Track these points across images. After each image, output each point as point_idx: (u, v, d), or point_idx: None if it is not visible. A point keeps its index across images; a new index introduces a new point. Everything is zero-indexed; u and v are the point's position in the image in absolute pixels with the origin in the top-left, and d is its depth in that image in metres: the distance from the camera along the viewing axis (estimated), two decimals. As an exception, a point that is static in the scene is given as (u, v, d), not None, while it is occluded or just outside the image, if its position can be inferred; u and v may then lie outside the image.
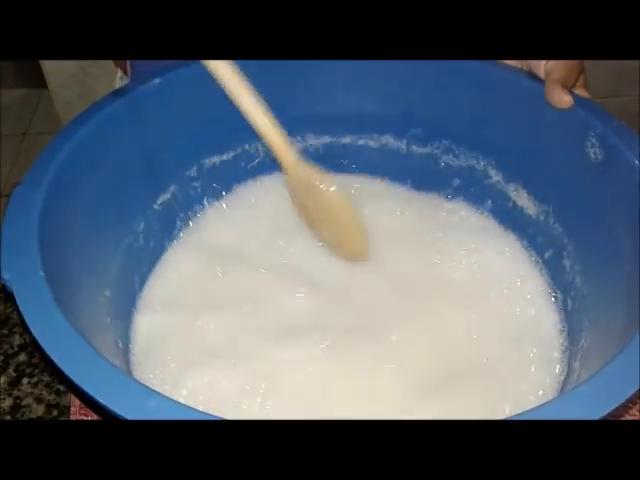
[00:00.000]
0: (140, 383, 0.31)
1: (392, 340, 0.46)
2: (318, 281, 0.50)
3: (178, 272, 0.52)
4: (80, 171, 0.43)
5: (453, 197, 0.56)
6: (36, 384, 0.48)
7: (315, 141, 0.57)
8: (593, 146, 0.44)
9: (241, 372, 0.44)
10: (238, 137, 0.54)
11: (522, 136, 0.50)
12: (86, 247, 0.43)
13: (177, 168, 0.53)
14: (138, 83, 0.48)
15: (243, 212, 0.56)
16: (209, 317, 0.48)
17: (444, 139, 0.55)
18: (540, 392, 0.43)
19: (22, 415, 0.46)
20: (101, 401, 0.30)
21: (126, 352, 0.46)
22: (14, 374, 0.49)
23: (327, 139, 0.57)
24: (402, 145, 0.56)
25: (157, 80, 0.48)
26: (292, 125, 0.54)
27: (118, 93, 0.47)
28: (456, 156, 0.55)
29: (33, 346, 0.50)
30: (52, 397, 0.47)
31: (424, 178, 0.57)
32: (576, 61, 0.47)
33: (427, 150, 0.56)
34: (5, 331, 0.51)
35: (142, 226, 0.51)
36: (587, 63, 0.48)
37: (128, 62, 0.57)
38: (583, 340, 0.44)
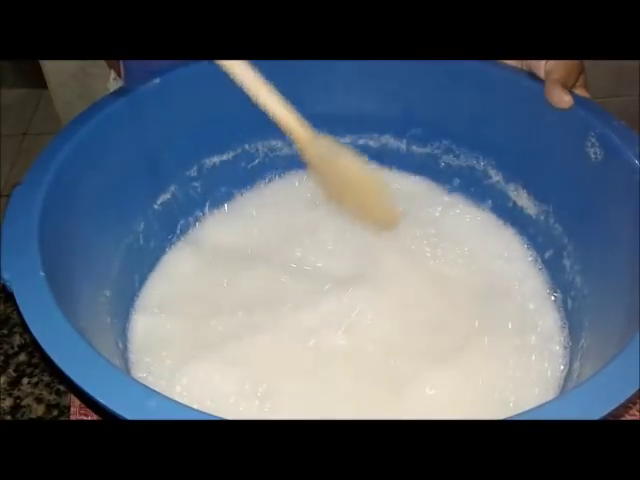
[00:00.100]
0: (140, 383, 0.31)
1: (392, 338, 0.46)
2: (318, 282, 0.50)
3: (177, 272, 0.52)
4: (80, 171, 0.43)
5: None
6: (36, 384, 0.48)
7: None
8: (593, 146, 0.44)
9: (240, 372, 0.44)
10: (238, 137, 0.54)
11: (522, 136, 0.50)
12: (86, 247, 0.43)
13: (177, 168, 0.53)
14: (138, 83, 0.48)
15: (243, 213, 0.56)
16: (208, 317, 0.48)
17: (444, 139, 0.55)
18: (539, 392, 0.43)
19: (22, 415, 0.46)
20: (101, 401, 0.30)
21: (124, 350, 0.46)
22: (14, 374, 0.49)
23: (327, 139, 0.57)
24: (402, 145, 0.56)
25: (157, 80, 0.48)
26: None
27: (118, 93, 0.47)
28: (456, 156, 0.55)
29: (33, 346, 0.50)
30: (52, 397, 0.47)
31: (424, 178, 0.57)
32: (576, 61, 0.47)
33: (427, 150, 0.56)
34: (5, 331, 0.51)
35: (142, 226, 0.51)
36: (587, 63, 0.48)
37: (121, 64, 0.57)
38: (583, 340, 0.44)
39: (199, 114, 0.51)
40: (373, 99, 0.54)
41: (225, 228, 0.55)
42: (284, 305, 0.48)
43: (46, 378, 0.48)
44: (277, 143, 0.56)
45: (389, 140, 0.57)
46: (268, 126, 0.54)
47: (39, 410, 0.47)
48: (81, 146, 0.43)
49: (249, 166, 0.56)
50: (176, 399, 0.30)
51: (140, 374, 0.44)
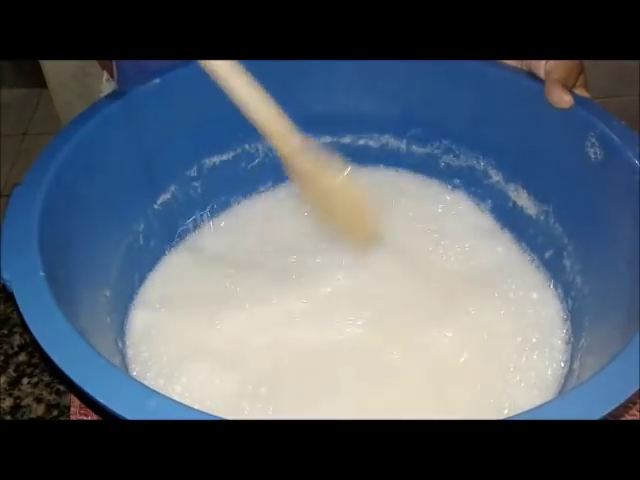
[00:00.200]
0: (140, 383, 0.31)
1: (392, 337, 0.46)
2: (318, 284, 0.50)
3: (176, 272, 0.51)
4: (80, 171, 0.43)
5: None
6: (36, 384, 0.48)
7: (315, 141, 0.57)
8: (593, 146, 0.44)
9: (240, 372, 0.44)
10: (238, 137, 0.54)
11: (522, 136, 0.50)
12: (86, 247, 0.43)
13: (177, 168, 0.53)
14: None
15: (243, 214, 0.56)
16: (207, 316, 0.48)
17: (444, 139, 0.55)
18: (539, 392, 0.43)
19: (22, 415, 0.46)
20: (101, 401, 0.30)
21: (123, 347, 0.46)
22: (14, 374, 0.49)
23: (327, 139, 0.57)
24: (402, 145, 0.56)
25: (157, 80, 0.48)
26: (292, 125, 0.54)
27: (118, 93, 0.47)
28: (456, 156, 0.55)
29: (33, 346, 0.50)
30: (52, 397, 0.47)
31: (424, 178, 0.57)
32: (576, 61, 0.47)
33: (427, 150, 0.56)
34: (5, 331, 0.51)
35: (142, 226, 0.51)
36: (587, 63, 0.48)
37: (114, 64, 0.57)
38: (583, 340, 0.44)
39: (199, 114, 0.51)
40: (373, 99, 0.54)
41: (225, 228, 0.55)
42: (284, 305, 0.48)
43: (46, 378, 0.48)
44: (277, 143, 0.56)
45: (389, 140, 0.57)
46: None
47: (39, 410, 0.47)
48: (81, 146, 0.43)
49: (249, 166, 0.56)
50: (176, 395, 0.30)
51: (138, 368, 0.44)
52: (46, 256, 0.36)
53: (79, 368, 0.31)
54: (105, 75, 0.69)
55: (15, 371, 0.49)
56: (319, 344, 0.46)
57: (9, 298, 0.52)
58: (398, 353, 0.46)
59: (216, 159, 0.54)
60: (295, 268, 0.51)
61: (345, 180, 0.48)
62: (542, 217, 0.51)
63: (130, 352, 0.46)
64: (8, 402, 0.47)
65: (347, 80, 0.53)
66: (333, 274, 0.51)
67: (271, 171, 0.56)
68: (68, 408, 0.46)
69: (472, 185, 0.55)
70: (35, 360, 0.49)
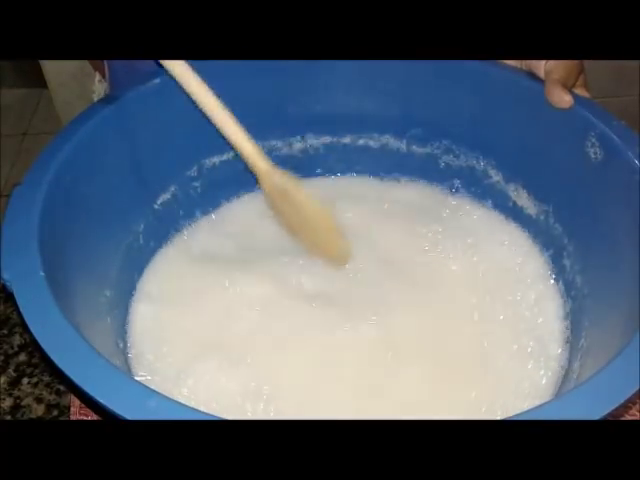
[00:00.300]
0: (140, 383, 0.31)
1: (393, 340, 0.46)
2: (319, 285, 0.50)
3: (175, 273, 0.51)
4: (80, 171, 0.43)
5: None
6: (36, 384, 0.48)
7: (315, 141, 0.57)
8: (593, 146, 0.44)
9: (244, 373, 0.44)
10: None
11: (522, 136, 0.50)
12: (86, 247, 0.43)
13: (177, 168, 0.53)
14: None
15: (242, 215, 0.56)
16: (209, 317, 0.48)
17: (444, 139, 0.55)
18: (538, 392, 0.43)
19: (22, 415, 0.46)
20: (101, 401, 0.30)
21: (124, 349, 0.46)
22: (14, 374, 0.49)
23: (327, 139, 0.57)
24: (402, 145, 0.56)
25: (157, 80, 0.48)
26: (292, 125, 0.55)
27: (118, 93, 0.47)
28: (456, 156, 0.55)
29: (33, 346, 0.50)
30: (52, 397, 0.47)
31: (424, 178, 0.57)
32: (576, 61, 0.47)
33: (427, 150, 0.56)
34: (5, 331, 0.51)
35: (142, 226, 0.51)
36: (587, 63, 0.48)
37: (106, 65, 0.57)
38: (583, 340, 0.44)
39: (199, 114, 0.51)
40: (373, 99, 0.54)
41: (225, 228, 0.55)
42: (285, 306, 0.48)
43: (46, 378, 0.48)
44: (277, 143, 0.56)
45: (389, 140, 0.57)
46: (268, 126, 0.55)
47: (39, 410, 0.47)
48: (81, 146, 0.43)
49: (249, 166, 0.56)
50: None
51: (142, 372, 0.44)
52: (46, 256, 0.36)
53: (79, 368, 0.31)
54: (97, 76, 0.69)
55: (15, 371, 0.49)
56: (327, 343, 0.46)
57: (9, 298, 0.52)
58: (399, 355, 0.45)
59: (216, 159, 0.54)
60: (295, 268, 0.51)
61: (312, 200, 0.49)
62: (542, 217, 0.51)
63: (133, 356, 0.46)
64: (8, 402, 0.47)
65: (347, 80, 0.53)
66: (333, 275, 0.50)
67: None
68: (68, 408, 0.46)
69: (472, 185, 0.55)
70: (35, 360, 0.49)
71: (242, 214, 0.56)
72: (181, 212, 0.54)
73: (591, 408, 0.29)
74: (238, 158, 0.55)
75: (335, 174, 0.59)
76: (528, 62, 0.48)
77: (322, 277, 0.50)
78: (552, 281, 0.50)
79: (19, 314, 0.33)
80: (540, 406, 0.30)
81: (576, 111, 0.45)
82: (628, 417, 0.45)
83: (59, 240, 0.40)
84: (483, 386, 0.44)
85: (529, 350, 0.46)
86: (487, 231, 0.54)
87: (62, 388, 0.48)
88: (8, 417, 0.46)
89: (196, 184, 0.54)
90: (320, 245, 0.51)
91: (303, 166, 0.56)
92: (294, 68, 0.51)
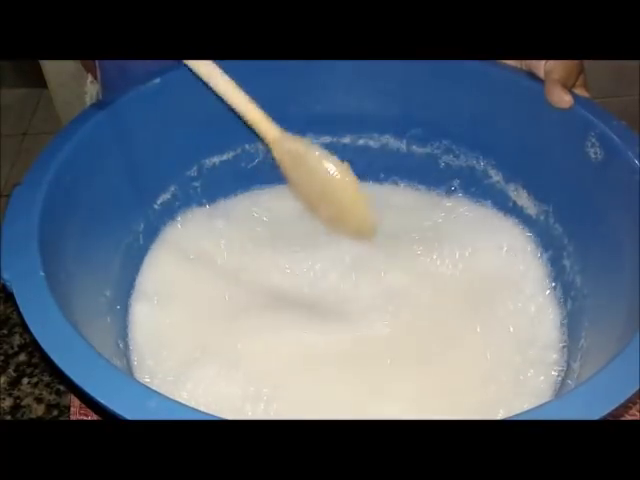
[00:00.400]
0: (140, 383, 0.31)
1: (391, 339, 0.46)
2: (319, 286, 0.50)
3: (176, 273, 0.51)
4: (80, 171, 0.43)
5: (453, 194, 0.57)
6: (36, 384, 0.48)
7: (315, 141, 0.57)
8: (593, 146, 0.44)
9: (242, 373, 0.44)
10: (238, 137, 0.54)
11: (522, 136, 0.50)
12: (86, 247, 0.43)
13: (177, 168, 0.53)
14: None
15: (243, 214, 0.56)
16: (208, 319, 0.48)
17: (444, 139, 0.55)
18: (539, 392, 0.43)
19: (22, 415, 0.46)
20: (101, 401, 0.30)
21: (125, 351, 0.46)
22: (14, 374, 0.49)
23: (327, 139, 0.57)
24: (402, 145, 0.56)
25: (157, 80, 0.48)
26: (292, 125, 0.54)
27: (118, 93, 0.47)
28: (456, 156, 0.55)
29: (33, 346, 0.50)
30: (52, 397, 0.47)
31: (424, 178, 0.57)
32: (576, 61, 0.47)
33: (427, 150, 0.56)
34: (5, 331, 0.51)
35: (142, 226, 0.51)
36: (587, 63, 0.48)
37: (98, 66, 0.57)
38: (583, 340, 0.44)
39: (199, 114, 0.51)
40: (373, 99, 0.54)
41: (225, 228, 0.55)
42: (284, 307, 0.48)
43: (46, 378, 0.48)
44: (277, 143, 0.56)
45: (389, 140, 0.57)
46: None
47: (39, 410, 0.47)
48: (81, 146, 0.43)
49: (249, 166, 0.56)
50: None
51: (143, 375, 0.44)
52: (46, 256, 0.36)
53: (79, 368, 0.31)
54: (90, 77, 0.69)
55: (15, 371, 0.49)
56: (324, 345, 0.46)
57: (9, 298, 0.52)
58: (399, 359, 0.45)
59: (216, 159, 0.54)
60: (295, 269, 0.51)
61: (333, 161, 0.46)
62: (542, 217, 0.51)
63: (132, 357, 0.46)
64: (8, 402, 0.47)
65: (347, 80, 0.53)
66: (334, 277, 0.50)
67: (271, 171, 0.56)
68: (68, 408, 0.46)
69: (472, 185, 0.55)
70: (35, 360, 0.49)
71: (242, 214, 0.56)
72: (181, 212, 0.54)
73: (591, 408, 0.29)
74: (238, 158, 0.55)
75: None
76: (528, 62, 0.48)
77: (322, 280, 0.50)
78: (550, 290, 0.50)
79: (19, 314, 0.33)
80: (540, 406, 0.30)
81: (576, 111, 0.45)
82: (628, 417, 0.45)
83: (59, 240, 0.40)
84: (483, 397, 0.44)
85: (530, 357, 0.46)
86: (485, 236, 0.53)
87: (62, 388, 0.48)
88: (8, 417, 0.46)
89: (196, 184, 0.54)
90: (341, 217, 0.48)
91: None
92: (294, 68, 0.51)
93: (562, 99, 0.45)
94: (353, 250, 0.52)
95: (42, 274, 0.35)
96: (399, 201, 0.57)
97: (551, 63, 0.46)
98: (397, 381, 0.44)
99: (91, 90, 0.68)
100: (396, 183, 0.58)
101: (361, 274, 0.51)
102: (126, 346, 0.46)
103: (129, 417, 0.29)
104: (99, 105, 0.46)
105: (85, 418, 0.45)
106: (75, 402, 0.46)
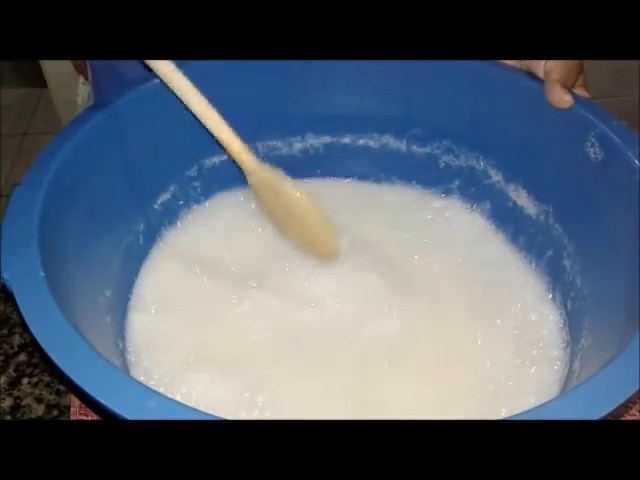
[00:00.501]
0: (140, 383, 0.31)
1: (390, 343, 0.46)
2: (317, 290, 0.50)
3: (174, 275, 0.51)
4: (80, 171, 0.43)
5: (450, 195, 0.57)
6: (36, 384, 0.48)
7: (315, 141, 0.57)
8: (593, 146, 0.44)
9: (237, 379, 0.44)
10: (238, 137, 0.54)
11: (522, 136, 0.50)
12: (86, 247, 0.43)
13: (177, 168, 0.53)
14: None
15: (243, 214, 0.56)
16: (205, 321, 0.48)
17: (444, 139, 0.55)
18: (540, 392, 0.43)
19: (22, 415, 0.46)
20: (101, 401, 0.30)
21: (124, 351, 0.46)
22: (14, 374, 0.49)
23: (327, 139, 0.57)
24: (402, 145, 0.56)
25: (157, 80, 0.48)
26: (292, 125, 0.55)
27: (119, 93, 0.47)
28: (456, 156, 0.55)
29: (33, 346, 0.50)
30: (52, 397, 0.47)
31: (424, 178, 0.57)
32: (576, 61, 0.47)
33: (427, 150, 0.56)
34: (5, 331, 0.51)
35: (142, 226, 0.51)
36: (587, 63, 0.48)
37: (89, 68, 0.57)
38: (583, 340, 0.44)
39: (199, 114, 0.51)
40: (373, 99, 0.54)
41: (225, 229, 0.55)
42: (281, 310, 0.48)
43: (46, 378, 0.48)
44: (277, 143, 0.56)
45: (389, 140, 0.57)
46: (268, 126, 0.55)
47: (39, 410, 0.47)
48: (81, 146, 0.43)
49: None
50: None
51: (139, 375, 0.44)
52: (46, 256, 0.36)
53: (79, 368, 0.31)
54: (81, 79, 0.69)
55: (15, 371, 0.49)
56: (320, 349, 0.46)
57: (9, 298, 0.52)
58: (399, 361, 0.45)
59: (216, 159, 0.54)
60: (295, 270, 0.51)
61: (303, 196, 0.49)
62: (542, 217, 0.51)
63: (131, 359, 0.45)
64: (8, 402, 0.47)
65: (347, 80, 0.53)
66: (333, 282, 0.50)
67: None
68: (68, 408, 0.46)
69: (472, 185, 0.55)
70: (35, 360, 0.49)
71: (242, 214, 0.56)
72: (181, 212, 0.54)
73: (591, 408, 0.29)
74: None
75: (335, 175, 0.59)
76: (528, 62, 0.48)
77: (318, 285, 0.50)
78: (550, 291, 0.50)
79: (19, 314, 0.33)
80: (540, 406, 0.30)
81: (576, 111, 0.45)
82: (628, 417, 0.45)
83: (59, 240, 0.39)
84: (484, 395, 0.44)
85: (531, 357, 0.46)
86: (482, 241, 0.54)
87: (62, 388, 0.48)
88: (8, 417, 0.46)
89: (196, 184, 0.54)
90: (309, 241, 0.51)
91: (303, 168, 0.56)
92: (294, 68, 0.51)
93: (562, 99, 0.45)
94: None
95: (42, 274, 0.35)
96: (399, 201, 0.57)
97: (551, 63, 0.46)
98: (397, 382, 0.44)
99: (83, 91, 0.68)
100: (396, 183, 0.58)
101: (362, 275, 0.51)
102: (125, 347, 0.46)
103: (129, 417, 0.29)
104: (99, 106, 0.46)
105: (85, 418, 0.45)
106: (75, 402, 0.46)
